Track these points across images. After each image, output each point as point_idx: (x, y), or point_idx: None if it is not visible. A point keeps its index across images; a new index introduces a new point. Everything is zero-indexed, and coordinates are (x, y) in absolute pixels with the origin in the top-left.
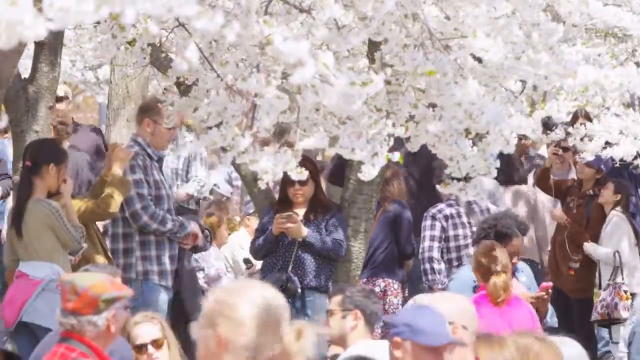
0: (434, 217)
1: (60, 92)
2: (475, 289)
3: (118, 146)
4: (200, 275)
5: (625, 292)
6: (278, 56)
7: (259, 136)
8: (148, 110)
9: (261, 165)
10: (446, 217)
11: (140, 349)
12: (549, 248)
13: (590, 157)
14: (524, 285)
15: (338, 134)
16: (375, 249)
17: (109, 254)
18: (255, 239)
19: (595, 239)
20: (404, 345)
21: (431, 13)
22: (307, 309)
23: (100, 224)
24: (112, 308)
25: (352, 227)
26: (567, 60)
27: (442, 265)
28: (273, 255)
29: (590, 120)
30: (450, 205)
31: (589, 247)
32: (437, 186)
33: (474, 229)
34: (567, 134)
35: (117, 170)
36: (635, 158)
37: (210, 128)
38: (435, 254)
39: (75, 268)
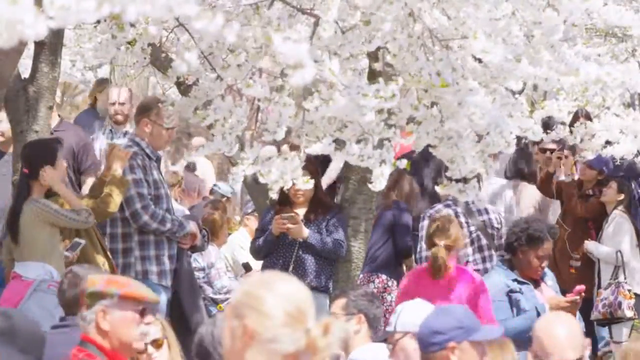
0: (430, 217)
1: None
2: (508, 294)
3: (117, 146)
4: (199, 275)
5: (629, 290)
6: (278, 57)
7: (264, 140)
8: (146, 111)
9: (272, 177)
10: None
11: None
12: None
13: (591, 156)
14: (551, 288)
15: (340, 137)
16: (374, 247)
17: (109, 253)
18: (255, 238)
19: (595, 237)
20: (461, 347)
21: (432, 14)
22: None
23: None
24: (100, 304)
25: (352, 227)
26: (569, 58)
27: None
28: (273, 255)
29: (590, 120)
30: (447, 206)
31: (590, 245)
32: (436, 187)
33: (472, 228)
34: (569, 132)
35: (117, 170)
36: (636, 156)
37: (209, 128)
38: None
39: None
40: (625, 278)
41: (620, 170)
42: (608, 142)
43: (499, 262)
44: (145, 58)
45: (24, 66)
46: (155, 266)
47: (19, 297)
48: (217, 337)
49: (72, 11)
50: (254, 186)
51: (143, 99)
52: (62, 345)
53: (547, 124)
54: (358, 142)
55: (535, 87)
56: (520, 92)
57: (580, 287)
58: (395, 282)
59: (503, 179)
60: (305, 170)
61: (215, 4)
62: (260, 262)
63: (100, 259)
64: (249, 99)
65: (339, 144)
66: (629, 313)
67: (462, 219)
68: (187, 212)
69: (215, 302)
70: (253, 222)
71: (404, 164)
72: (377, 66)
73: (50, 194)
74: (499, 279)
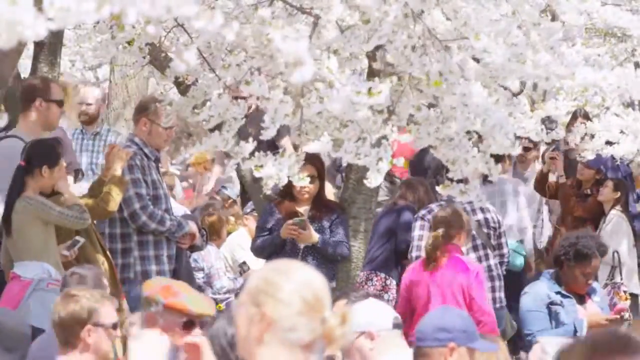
0: (422, 218)
1: None
2: (549, 305)
3: (116, 146)
4: (199, 275)
5: (625, 292)
6: (277, 56)
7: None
8: (145, 110)
9: (266, 171)
10: None
11: None
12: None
13: (590, 156)
14: (596, 304)
15: (340, 137)
16: (373, 246)
17: (108, 252)
18: (257, 237)
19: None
20: (459, 351)
21: (433, 15)
22: None
23: None
24: (147, 309)
25: (351, 227)
26: (568, 60)
27: None
28: (278, 256)
29: (589, 120)
30: (440, 206)
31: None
32: (437, 187)
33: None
34: (568, 131)
35: (116, 170)
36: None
37: (212, 131)
38: (423, 254)
39: (70, 266)
40: (621, 279)
41: (620, 171)
42: (608, 142)
43: (545, 272)
44: (144, 57)
45: (24, 66)
46: (155, 266)
47: (19, 297)
48: (229, 335)
49: (72, 12)
50: (253, 186)
51: (142, 98)
52: None
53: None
54: (356, 140)
55: (535, 87)
56: (520, 93)
57: (622, 306)
58: (394, 281)
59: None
60: (310, 167)
61: (215, 4)
62: (260, 262)
63: (100, 258)
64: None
65: (337, 142)
66: (624, 315)
67: None
68: (188, 212)
69: (215, 302)
70: (252, 222)
71: (401, 162)
72: (377, 65)
73: (52, 194)
74: (542, 290)
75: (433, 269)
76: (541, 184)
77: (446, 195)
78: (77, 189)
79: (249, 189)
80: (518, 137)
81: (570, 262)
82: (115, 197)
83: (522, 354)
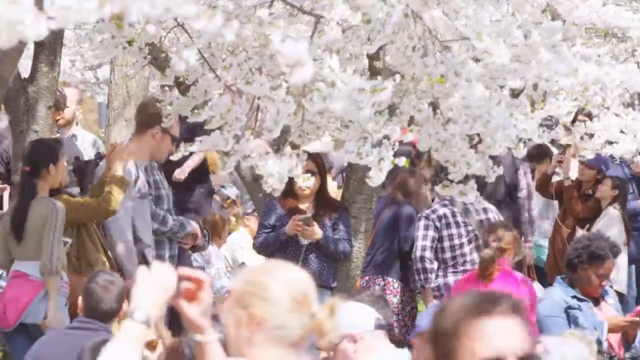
0: (427, 218)
1: None
2: (566, 310)
3: (118, 146)
4: None
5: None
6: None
7: (263, 138)
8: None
9: (267, 169)
10: (439, 218)
11: None
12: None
13: (590, 155)
14: (612, 306)
15: (341, 137)
16: (376, 248)
17: (109, 253)
18: (259, 234)
19: None
20: None
21: (434, 16)
22: None
23: None
24: None
25: (352, 226)
26: (569, 59)
27: (435, 265)
28: (280, 254)
29: (590, 119)
30: (444, 206)
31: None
32: (436, 188)
33: (470, 228)
34: (567, 129)
35: (117, 170)
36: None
37: (212, 130)
38: (428, 254)
39: (72, 265)
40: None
41: (622, 170)
42: (608, 142)
43: (559, 278)
44: (144, 57)
45: (24, 66)
46: None
47: (29, 298)
48: None
49: (73, 11)
50: (253, 185)
51: (142, 99)
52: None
53: (548, 125)
54: (357, 140)
55: (535, 87)
56: (520, 93)
57: None
58: (400, 284)
59: None
60: (309, 162)
61: (216, 4)
62: (260, 262)
63: (101, 258)
64: (249, 98)
65: (338, 142)
66: None
67: (459, 219)
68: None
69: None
70: (253, 222)
71: (402, 162)
72: (378, 64)
73: (53, 193)
74: (558, 295)
75: (487, 282)
76: (544, 185)
77: (449, 195)
78: None
79: (249, 188)
80: (520, 139)
81: (584, 264)
82: (117, 196)
83: None
